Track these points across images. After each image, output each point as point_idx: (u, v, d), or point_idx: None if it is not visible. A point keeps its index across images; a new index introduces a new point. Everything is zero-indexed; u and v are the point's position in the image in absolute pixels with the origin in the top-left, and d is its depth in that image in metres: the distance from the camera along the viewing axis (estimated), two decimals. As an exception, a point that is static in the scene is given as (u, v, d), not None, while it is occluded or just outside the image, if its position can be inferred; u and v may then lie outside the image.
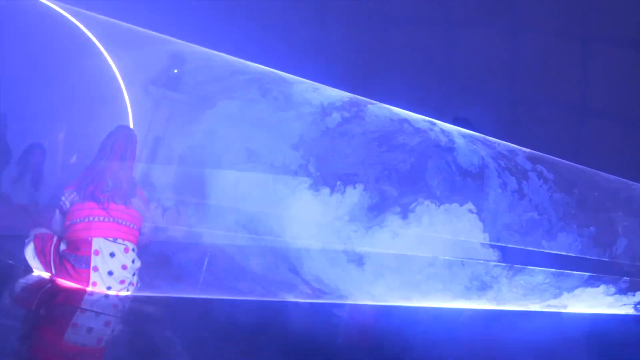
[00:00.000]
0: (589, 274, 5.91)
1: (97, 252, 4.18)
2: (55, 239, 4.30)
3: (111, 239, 4.23)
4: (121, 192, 4.32)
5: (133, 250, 4.32)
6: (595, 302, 6.02)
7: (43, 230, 4.37)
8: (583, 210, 6.17)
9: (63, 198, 4.30)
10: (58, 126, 6.39)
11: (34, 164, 6.16)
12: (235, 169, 6.15)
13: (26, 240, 4.34)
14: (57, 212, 4.35)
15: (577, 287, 6.00)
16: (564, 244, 5.95)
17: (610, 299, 6.19)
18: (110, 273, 4.20)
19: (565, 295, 5.97)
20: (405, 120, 6.25)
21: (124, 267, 4.24)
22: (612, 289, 6.04)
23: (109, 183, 4.30)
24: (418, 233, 5.67)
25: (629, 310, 6.21)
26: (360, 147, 5.93)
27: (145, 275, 4.50)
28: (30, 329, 3.51)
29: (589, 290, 6.04)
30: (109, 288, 4.20)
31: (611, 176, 6.47)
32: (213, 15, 6.50)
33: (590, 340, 5.55)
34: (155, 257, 5.35)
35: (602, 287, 6.05)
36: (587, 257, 5.98)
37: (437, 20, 7.85)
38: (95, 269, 4.17)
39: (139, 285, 4.39)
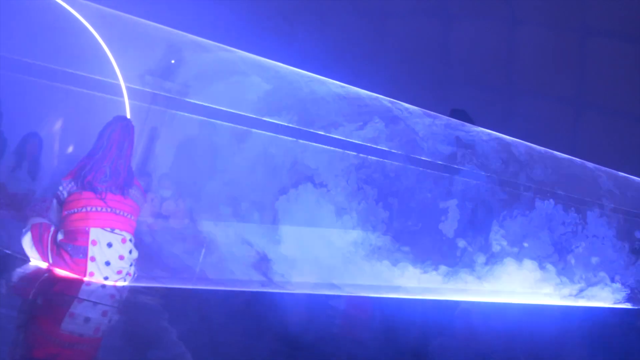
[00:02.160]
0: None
1: (94, 243, 4.18)
2: (52, 228, 4.30)
3: (109, 229, 4.23)
4: (119, 182, 4.32)
5: (130, 240, 4.32)
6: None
7: (40, 220, 4.38)
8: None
9: (60, 188, 4.30)
10: (55, 116, 6.37)
11: (31, 153, 6.15)
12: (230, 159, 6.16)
13: (23, 230, 4.34)
14: (55, 201, 4.36)
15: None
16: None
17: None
18: (107, 263, 4.21)
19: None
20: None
21: (121, 258, 4.25)
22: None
23: (107, 173, 4.30)
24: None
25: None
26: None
27: (142, 265, 4.51)
28: (28, 318, 3.52)
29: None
30: (106, 278, 4.22)
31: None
32: (208, 5, 6.47)
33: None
34: (152, 248, 5.35)
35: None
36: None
37: (434, 12, 7.83)
38: (93, 259, 4.17)
39: (136, 275, 4.40)
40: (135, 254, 4.35)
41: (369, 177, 6.64)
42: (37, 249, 4.25)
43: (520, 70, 7.76)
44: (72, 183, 4.27)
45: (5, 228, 4.87)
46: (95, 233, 4.19)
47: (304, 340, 4.18)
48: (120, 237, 4.26)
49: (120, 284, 4.29)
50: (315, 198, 6.47)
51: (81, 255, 4.16)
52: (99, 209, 4.24)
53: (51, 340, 3.27)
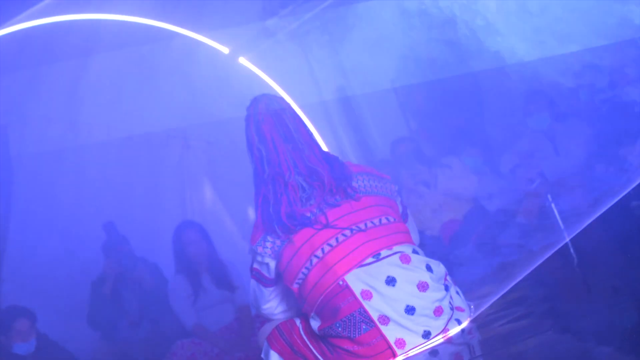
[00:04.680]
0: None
1: (367, 294, 2.21)
2: (298, 322, 2.42)
3: (370, 259, 2.25)
4: (328, 183, 2.35)
5: (415, 252, 2.31)
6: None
7: (270, 326, 2.53)
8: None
9: (259, 259, 2.41)
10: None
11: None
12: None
13: (262, 354, 2.50)
14: (254, 282, 2.47)
15: None
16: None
17: None
18: (409, 311, 2.20)
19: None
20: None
21: (423, 287, 2.22)
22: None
23: (301, 184, 2.36)
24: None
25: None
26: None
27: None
28: None
29: None
30: (426, 336, 2.20)
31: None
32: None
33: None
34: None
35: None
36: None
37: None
38: (384, 319, 2.19)
39: (472, 307, 2.39)
40: (441, 267, 2.32)
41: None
42: (299, 366, 2.37)
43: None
44: (270, 236, 2.37)
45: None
46: (355, 279, 2.23)
47: None
48: (397, 257, 2.26)
49: (456, 329, 2.27)
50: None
51: (365, 327, 2.19)
52: (333, 242, 2.29)
53: None
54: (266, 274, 2.40)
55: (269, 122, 2.43)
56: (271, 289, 2.44)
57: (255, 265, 2.42)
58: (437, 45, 4.97)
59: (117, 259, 4.36)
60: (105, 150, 4.54)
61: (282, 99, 2.57)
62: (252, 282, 2.46)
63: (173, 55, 4.60)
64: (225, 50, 4.68)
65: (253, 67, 4.76)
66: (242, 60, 4.75)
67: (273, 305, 2.49)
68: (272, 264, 2.38)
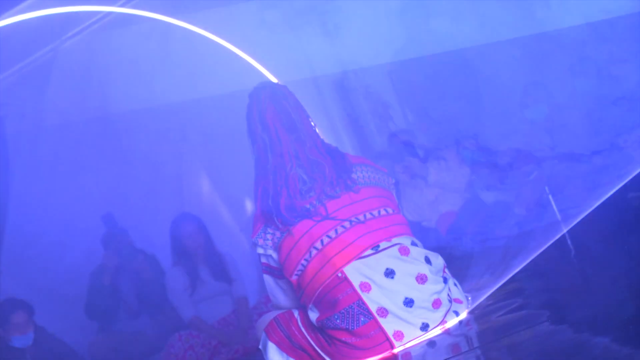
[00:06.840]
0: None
1: (365, 286, 2.22)
2: (296, 314, 2.42)
3: (369, 251, 2.26)
4: (329, 176, 2.36)
5: (414, 244, 2.32)
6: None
7: (268, 317, 2.53)
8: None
9: (261, 250, 2.42)
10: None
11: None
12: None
13: (260, 346, 2.50)
14: (267, 277, 2.48)
15: None
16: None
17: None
18: (408, 303, 2.21)
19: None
20: None
21: (421, 279, 2.23)
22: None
23: (302, 175, 2.36)
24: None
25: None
26: None
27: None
28: None
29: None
30: (424, 328, 2.21)
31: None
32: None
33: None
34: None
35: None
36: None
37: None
38: (382, 311, 2.20)
39: (469, 298, 2.39)
40: (439, 259, 2.32)
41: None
42: (297, 357, 2.37)
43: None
44: (270, 228, 2.37)
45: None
46: (354, 271, 2.23)
47: None
48: (395, 249, 2.26)
49: (453, 322, 2.27)
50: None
51: (363, 319, 2.20)
52: (332, 234, 2.29)
53: None
54: (274, 265, 2.40)
55: (272, 111, 2.42)
56: (278, 279, 2.43)
57: (263, 260, 2.41)
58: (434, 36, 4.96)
59: (116, 251, 4.36)
60: (104, 143, 4.53)
61: (285, 87, 2.54)
62: (266, 278, 2.44)
63: (171, 47, 4.59)
64: (223, 42, 4.67)
65: (250, 59, 4.75)
66: (240, 52, 4.74)
67: (281, 293, 2.47)
68: (275, 255, 2.38)
